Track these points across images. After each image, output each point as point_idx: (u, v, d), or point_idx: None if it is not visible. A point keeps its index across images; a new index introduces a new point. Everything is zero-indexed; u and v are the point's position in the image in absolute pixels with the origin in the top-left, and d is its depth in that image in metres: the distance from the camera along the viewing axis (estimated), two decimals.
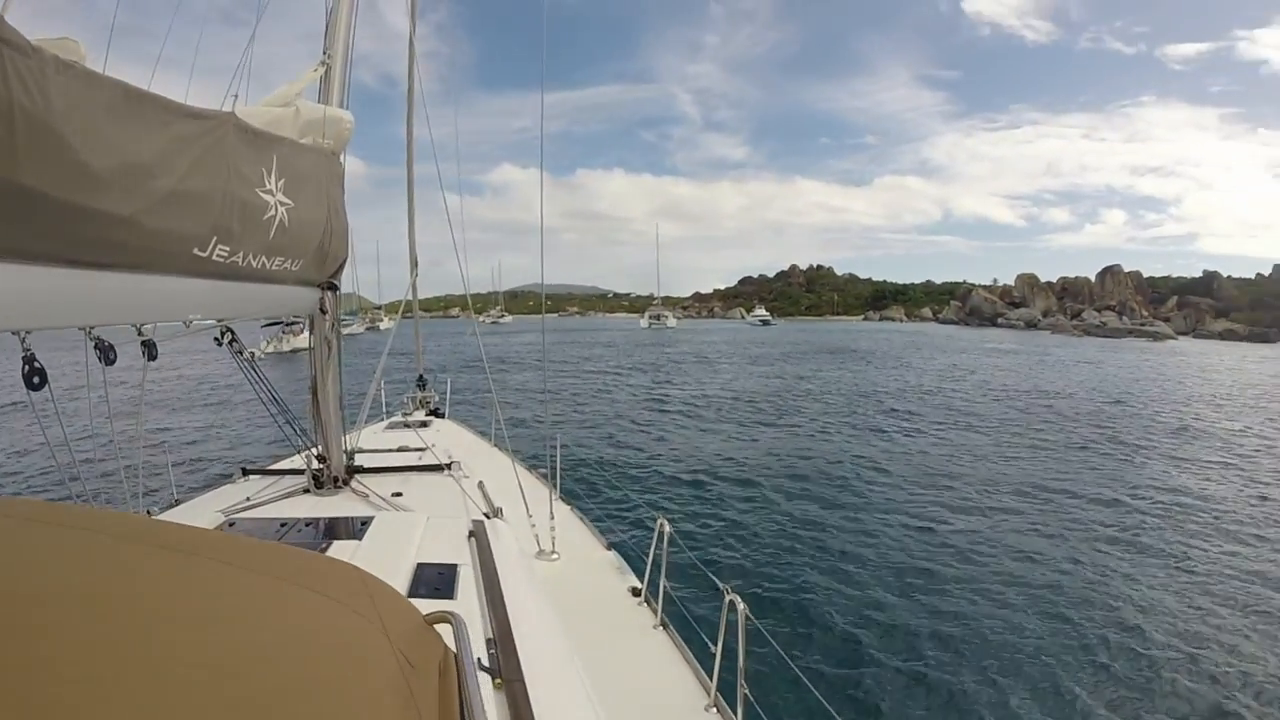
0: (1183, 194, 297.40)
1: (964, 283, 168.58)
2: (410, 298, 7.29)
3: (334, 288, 4.42)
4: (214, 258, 3.05)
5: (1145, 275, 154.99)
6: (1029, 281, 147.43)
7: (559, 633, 3.12)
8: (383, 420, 8.66)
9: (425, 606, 1.71)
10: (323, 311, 4.43)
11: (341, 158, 4.33)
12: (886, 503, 11.97)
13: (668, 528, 4.21)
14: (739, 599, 3.25)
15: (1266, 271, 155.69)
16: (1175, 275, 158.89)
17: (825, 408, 23.10)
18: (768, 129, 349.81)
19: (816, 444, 16.96)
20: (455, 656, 1.55)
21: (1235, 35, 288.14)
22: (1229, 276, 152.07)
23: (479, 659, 2.09)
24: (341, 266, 4.41)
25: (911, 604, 7.78)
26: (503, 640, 2.41)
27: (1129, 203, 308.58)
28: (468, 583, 2.87)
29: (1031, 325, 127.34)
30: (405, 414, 9.20)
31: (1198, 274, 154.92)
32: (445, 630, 1.64)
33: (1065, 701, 6.01)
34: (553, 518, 5.06)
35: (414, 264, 7.14)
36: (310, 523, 3.62)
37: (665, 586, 4.15)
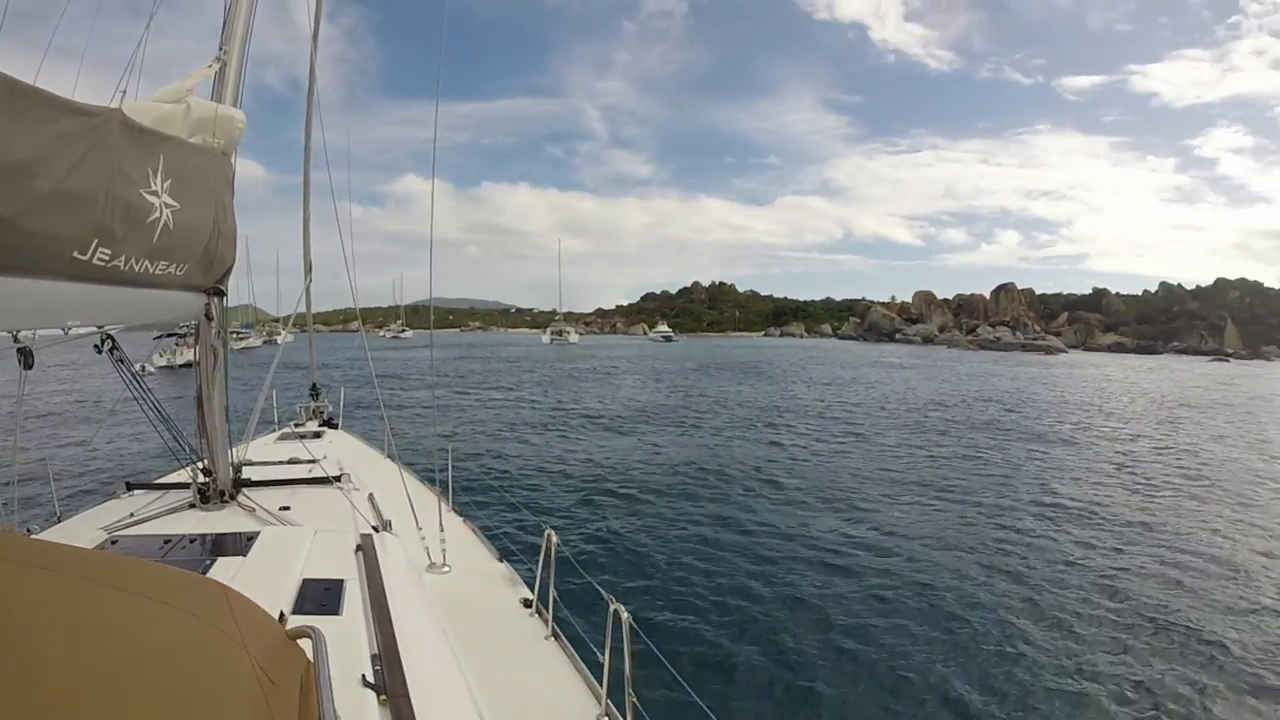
0: (1074, 216, 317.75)
1: (863, 300, 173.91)
2: (305, 303, 7.23)
3: (220, 293, 4.33)
4: (94, 261, 2.96)
5: (1038, 292, 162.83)
6: (926, 299, 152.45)
7: (448, 646, 3.17)
8: (274, 431, 8.53)
9: (309, 623, 1.74)
10: (208, 318, 4.33)
11: (232, 158, 4.23)
12: (777, 512, 12.20)
13: (555, 538, 4.26)
14: (623, 609, 3.33)
15: (1152, 288, 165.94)
16: (1066, 292, 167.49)
17: (724, 421, 23.37)
18: (674, 147, 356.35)
19: (713, 456, 17.20)
20: (314, 670, 1.57)
21: (1128, 69, 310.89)
22: (1117, 293, 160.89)
23: (363, 675, 2.24)
24: (229, 271, 4.31)
25: (798, 610, 7.93)
26: (388, 655, 2.42)
27: (1023, 224, 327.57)
28: (354, 598, 2.86)
29: (928, 340, 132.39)
30: (297, 424, 9.07)
31: (1088, 291, 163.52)
32: (310, 645, 1.67)
33: (945, 698, 6.20)
34: (443, 530, 5.09)
35: (308, 268, 7.09)
36: (195, 539, 3.55)
37: (555, 597, 4.21)
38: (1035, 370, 59.15)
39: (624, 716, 3.23)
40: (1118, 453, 19.70)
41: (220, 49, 4.49)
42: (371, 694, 2.13)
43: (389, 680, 2.26)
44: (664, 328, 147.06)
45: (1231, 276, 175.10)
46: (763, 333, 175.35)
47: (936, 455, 18.11)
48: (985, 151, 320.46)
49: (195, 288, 4.07)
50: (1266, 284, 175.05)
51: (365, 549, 3.45)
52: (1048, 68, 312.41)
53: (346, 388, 11.69)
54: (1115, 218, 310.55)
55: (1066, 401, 34.30)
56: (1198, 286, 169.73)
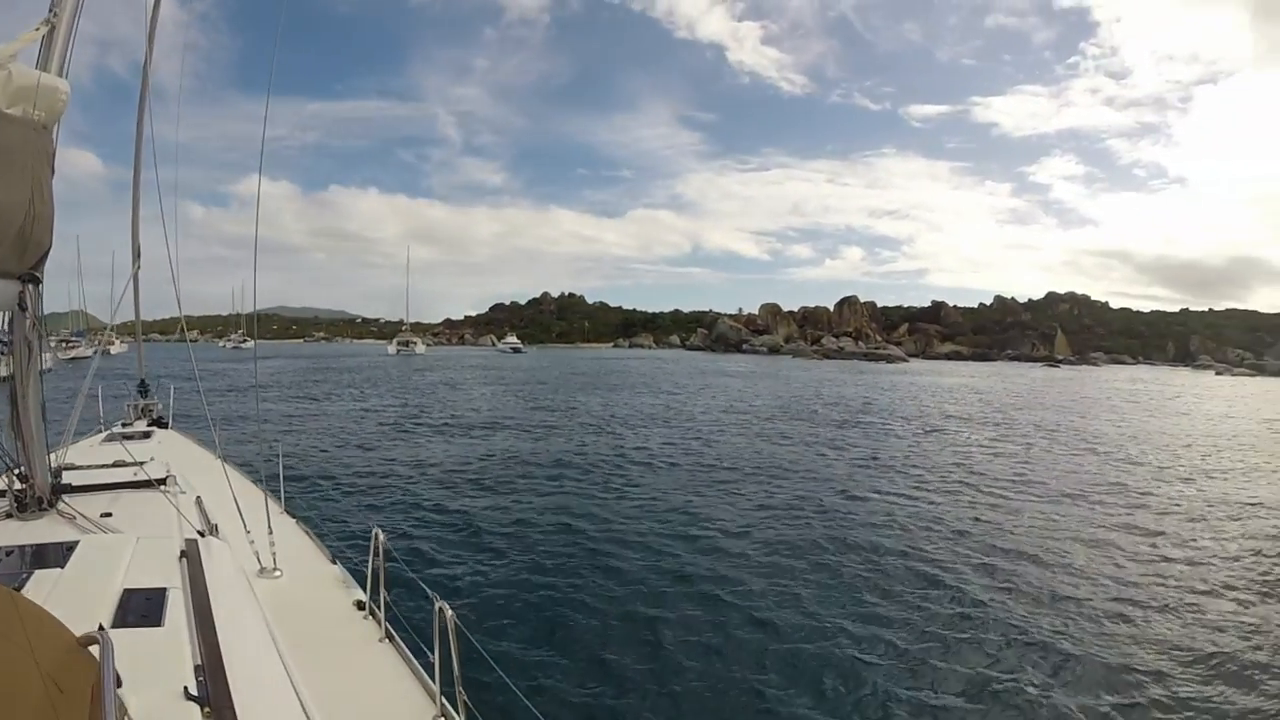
0: (916, 235, 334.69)
1: (710, 311, 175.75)
2: (133, 292, 7.59)
3: (36, 280, 3.96)
4: None
5: (880, 305, 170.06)
6: (772, 310, 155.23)
7: (277, 654, 3.07)
8: (101, 432, 8.19)
9: (131, 634, 1.84)
10: (22, 308, 3.97)
11: (54, 133, 3.93)
12: (610, 511, 12.29)
13: (382, 537, 4.16)
14: (447, 607, 3.26)
15: (988, 301, 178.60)
16: (907, 305, 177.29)
17: (567, 428, 23.21)
18: (527, 157, 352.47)
19: (553, 460, 17.19)
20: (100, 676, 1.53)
21: (972, 100, 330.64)
22: (955, 306, 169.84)
23: (186, 687, 2.14)
24: (45, 256, 3.95)
25: (627, 605, 8.00)
26: (212, 666, 2.34)
27: (867, 241, 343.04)
28: (177, 607, 2.75)
29: (775, 351, 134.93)
30: (125, 424, 8.80)
31: (927, 304, 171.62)
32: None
33: (763, 689, 6.28)
34: (273, 533, 4.94)
35: (136, 254, 7.02)
36: (10, 551, 3.30)
37: (386, 598, 4.07)
38: (879, 378, 62.41)
39: (458, 717, 3.19)
40: (950, 445, 21.89)
41: (50, 10, 4.11)
42: (195, 707, 2.04)
43: (213, 692, 2.17)
44: (513, 339, 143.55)
45: (1061, 291, 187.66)
46: (612, 344, 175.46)
47: (774, 456, 18.67)
48: (833, 172, 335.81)
49: (8, 274, 3.76)
50: (1093, 297, 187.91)
51: (190, 555, 3.34)
52: (896, 95, 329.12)
53: (182, 398, 10.88)
54: (954, 236, 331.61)
55: (905, 403, 36.77)
56: (1030, 299, 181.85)
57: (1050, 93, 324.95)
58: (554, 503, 12.80)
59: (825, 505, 13.06)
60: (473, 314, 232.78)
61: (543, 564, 9.27)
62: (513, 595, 8.13)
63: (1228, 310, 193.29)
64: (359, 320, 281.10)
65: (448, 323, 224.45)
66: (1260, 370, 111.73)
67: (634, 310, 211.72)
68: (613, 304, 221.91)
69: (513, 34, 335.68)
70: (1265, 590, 9.49)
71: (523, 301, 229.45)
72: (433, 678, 3.34)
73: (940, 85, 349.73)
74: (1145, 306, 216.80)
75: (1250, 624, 8.19)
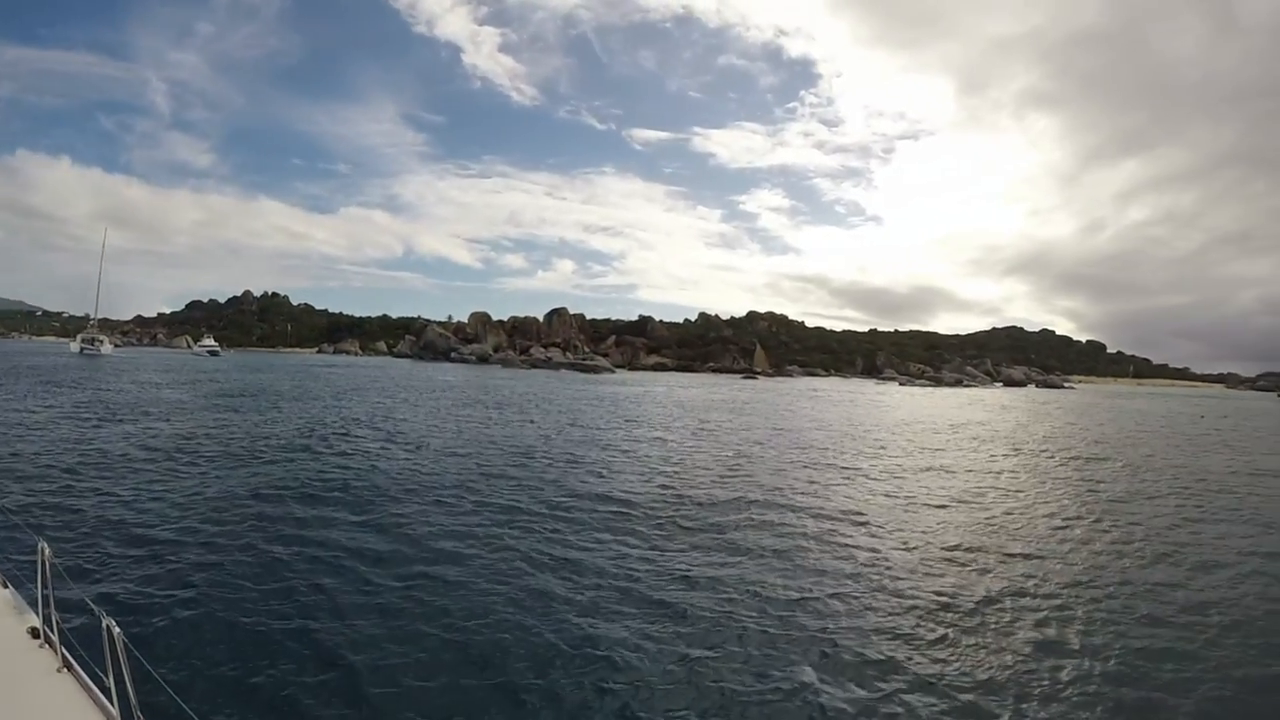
0: (627, 251, 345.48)
1: (420, 318, 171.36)
2: None
3: None
4: None
5: (589, 317, 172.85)
6: (482, 319, 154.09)
7: None
8: None
9: None
10: None
11: None
12: (289, 514, 12.13)
13: (48, 552, 3.74)
14: (114, 625, 3.07)
15: (692, 317, 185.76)
16: (615, 318, 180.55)
17: (260, 437, 21.73)
18: (240, 139, 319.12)
19: (240, 464, 16.76)
20: None
21: (694, 130, 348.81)
22: (661, 321, 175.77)
23: None
24: None
25: (306, 614, 7.83)
26: None
27: (580, 255, 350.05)
28: None
29: (483, 360, 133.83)
30: None
31: (635, 318, 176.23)
32: None
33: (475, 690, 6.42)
34: None
35: None
36: None
37: (59, 623, 3.69)
38: (590, 389, 63.39)
39: None
40: (654, 438, 25.52)
41: None
42: None
43: None
44: (210, 341, 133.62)
45: (762, 310, 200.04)
46: (316, 349, 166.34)
47: (479, 461, 18.87)
48: (552, 185, 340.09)
49: None
50: (791, 316, 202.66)
51: None
52: (622, 117, 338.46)
53: None
54: (665, 255, 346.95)
55: (612, 411, 38.09)
56: (733, 317, 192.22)
57: (767, 131, 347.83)
58: (248, 512, 12.30)
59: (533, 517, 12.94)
60: (167, 311, 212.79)
61: (229, 579, 8.84)
62: (204, 612, 7.73)
63: (911, 331, 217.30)
64: (40, 313, 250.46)
65: (139, 320, 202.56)
66: (938, 383, 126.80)
67: (341, 314, 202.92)
68: (319, 306, 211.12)
69: (246, 1, 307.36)
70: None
71: (222, 300, 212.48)
72: (116, 704, 3.10)
73: (666, 113, 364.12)
74: (838, 326, 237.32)
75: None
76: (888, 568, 10.68)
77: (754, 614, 8.33)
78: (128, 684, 2.95)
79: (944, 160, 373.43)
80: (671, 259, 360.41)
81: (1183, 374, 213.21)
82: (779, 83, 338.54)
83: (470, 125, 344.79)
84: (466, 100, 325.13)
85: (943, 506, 15.61)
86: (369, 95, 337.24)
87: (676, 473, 18.16)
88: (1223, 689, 7.08)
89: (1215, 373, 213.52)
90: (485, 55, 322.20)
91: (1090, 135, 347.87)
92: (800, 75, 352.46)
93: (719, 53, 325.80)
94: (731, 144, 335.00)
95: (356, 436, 22.85)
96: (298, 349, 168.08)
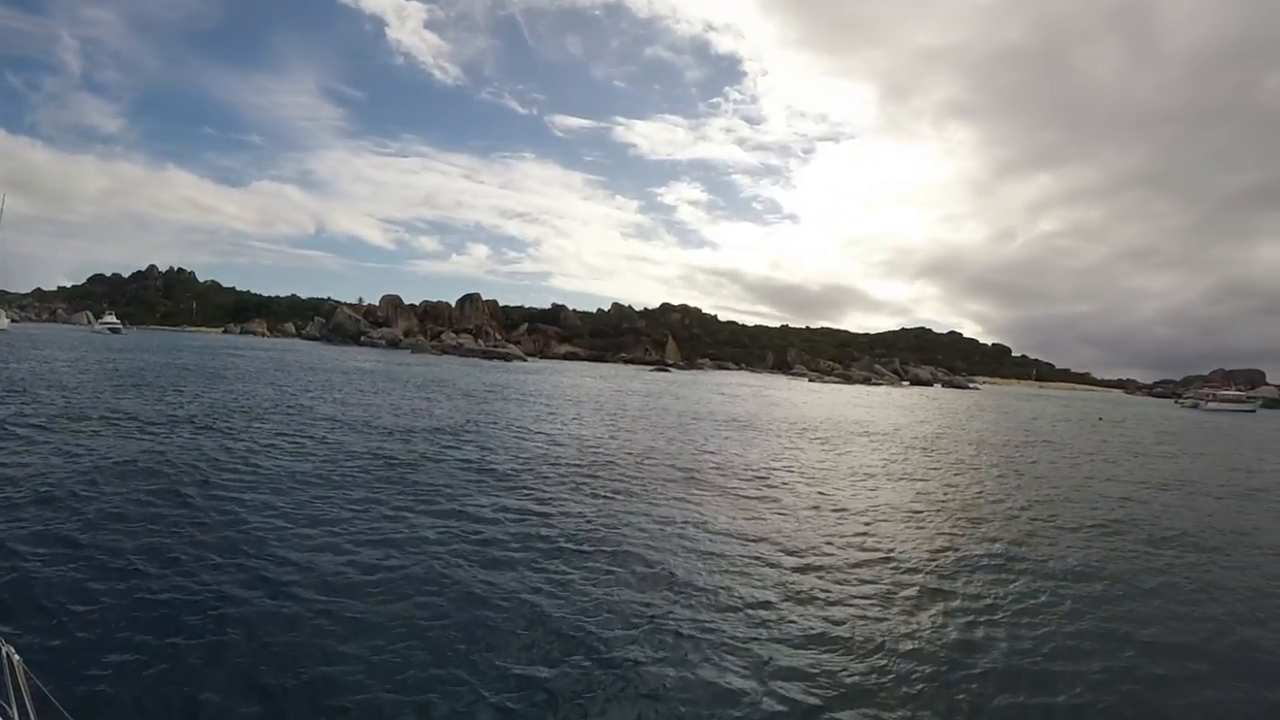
0: (543, 238, 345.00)
1: (330, 299, 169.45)
2: None
3: None
4: None
5: (502, 304, 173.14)
6: (393, 303, 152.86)
7: None
8: None
9: None
10: None
11: None
12: (195, 520, 11.21)
13: None
14: (14, 651, 2.91)
15: (606, 307, 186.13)
16: (529, 305, 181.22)
17: (169, 433, 19.53)
18: (152, 104, 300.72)
19: (142, 461, 15.08)
20: None
21: (615, 120, 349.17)
22: (574, 310, 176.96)
23: None
24: None
25: (210, 626, 7.43)
26: None
27: (495, 240, 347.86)
28: None
29: (394, 344, 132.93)
30: None
31: (548, 306, 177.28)
32: None
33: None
34: None
35: None
36: None
37: None
38: (500, 377, 63.16)
39: None
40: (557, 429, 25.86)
41: None
42: None
43: None
44: (112, 318, 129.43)
45: (675, 302, 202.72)
46: (222, 329, 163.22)
47: (383, 449, 18.47)
48: (471, 168, 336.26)
49: None
50: (704, 310, 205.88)
51: None
52: (545, 103, 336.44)
53: None
54: (580, 244, 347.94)
55: (519, 401, 37.87)
56: (646, 308, 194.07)
57: (689, 125, 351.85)
58: (149, 512, 11.42)
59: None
60: (68, 285, 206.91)
61: (132, 590, 8.21)
62: (105, 630, 7.17)
63: (822, 329, 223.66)
64: None
65: (38, 294, 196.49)
66: (847, 379, 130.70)
67: (249, 293, 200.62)
68: (226, 284, 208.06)
69: None
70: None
71: (126, 275, 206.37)
72: None
73: (589, 101, 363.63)
74: (750, 321, 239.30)
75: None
76: (779, 551, 11.43)
77: (671, 620, 8.32)
78: (29, 711, 2.89)
79: (862, 163, 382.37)
80: (587, 248, 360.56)
81: (1084, 378, 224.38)
82: (704, 77, 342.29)
83: (390, 102, 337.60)
84: (388, 76, 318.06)
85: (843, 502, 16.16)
86: (289, 65, 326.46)
87: (585, 467, 17.93)
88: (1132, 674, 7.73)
89: (1115, 378, 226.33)
90: (410, 31, 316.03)
91: (1006, 148, 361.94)
92: (726, 72, 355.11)
93: (647, 44, 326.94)
94: (653, 135, 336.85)
95: (260, 425, 21.63)
96: (203, 328, 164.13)
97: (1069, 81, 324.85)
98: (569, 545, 10.93)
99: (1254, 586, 11.35)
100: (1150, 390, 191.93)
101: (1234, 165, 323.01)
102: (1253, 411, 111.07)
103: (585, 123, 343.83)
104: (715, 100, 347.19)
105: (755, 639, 7.86)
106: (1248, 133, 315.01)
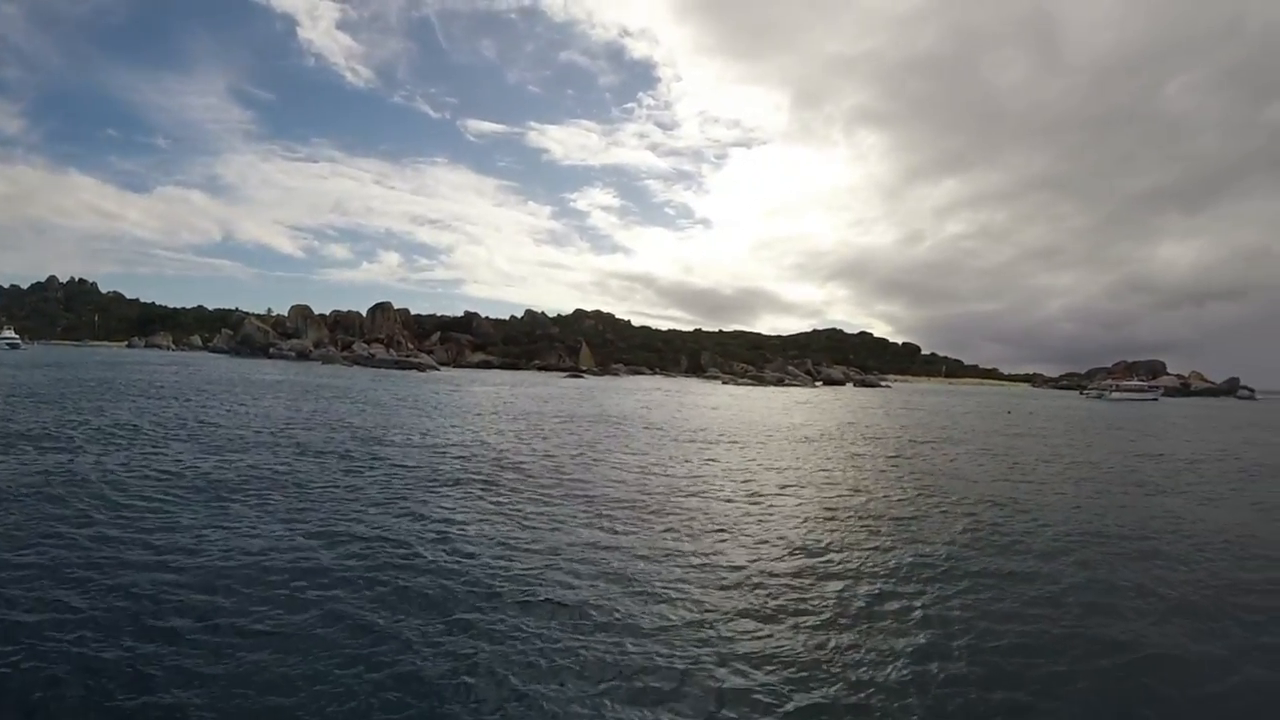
0: (455, 245, 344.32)
1: (237, 310, 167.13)
2: None
3: None
4: None
5: (414, 313, 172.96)
6: (302, 313, 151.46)
7: None
8: None
9: None
10: None
11: None
12: (105, 543, 10.73)
13: None
14: None
15: (519, 314, 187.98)
16: (441, 314, 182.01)
17: (70, 450, 19.08)
18: (55, 104, 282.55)
19: (33, 491, 13.97)
20: None
21: (528, 125, 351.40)
22: (487, 317, 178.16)
23: None
24: None
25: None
26: None
27: (406, 247, 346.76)
28: None
29: (304, 356, 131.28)
30: None
31: (461, 314, 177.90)
32: None
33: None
34: None
35: None
36: None
37: None
38: (412, 388, 61.47)
39: None
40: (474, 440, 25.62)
41: None
42: None
43: None
44: (9, 333, 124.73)
45: (589, 308, 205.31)
46: (126, 343, 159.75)
47: (286, 465, 18.06)
48: (381, 173, 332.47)
49: None
50: (618, 315, 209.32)
51: None
52: (458, 107, 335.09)
53: None
54: (493, 251, 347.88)
55: (431, 413, 37.17)
56: (560, 314, 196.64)
57: (603, 130, 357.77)
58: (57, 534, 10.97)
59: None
60: None
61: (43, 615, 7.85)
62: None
63: (736, 331, 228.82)
64: None
65: None
66: (761, 381, 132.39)
67: (154, 304, 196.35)
68: (130, 295, 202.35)
69: None
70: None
71: (25, 286, 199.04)
72: None
73: (503, 105, 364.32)
74: (664, 325, 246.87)
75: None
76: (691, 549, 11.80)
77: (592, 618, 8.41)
78: None
79: (774, 168, 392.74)
80: (500, 255, 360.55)
81: (992, 374, 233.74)
82: (618, 83, 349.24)
83: (300, 105, 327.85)
84: (298, 78, 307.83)
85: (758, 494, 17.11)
86: (196, 65, 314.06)
87: (495, 484, 16.96)
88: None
89: (1022, 373, 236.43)
90: (322, 31, 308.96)
91: (915, 154, 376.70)
92: (640, 77, 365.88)
93: (562, 48, 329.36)
94: (566, 141, 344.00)
95: (161, 443, 20.66)
96: (106, 342, 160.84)
97: (977, 89, 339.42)
98: (475, 574, 9.87)
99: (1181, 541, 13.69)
100: (1057, 383, 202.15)
101: (1135, 169, 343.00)
102: (1155, 400, 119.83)
103: (498, 127, 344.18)
104: (629, 106, 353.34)
105: (695, 661, 7.44)
106: (1148, 137, 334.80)
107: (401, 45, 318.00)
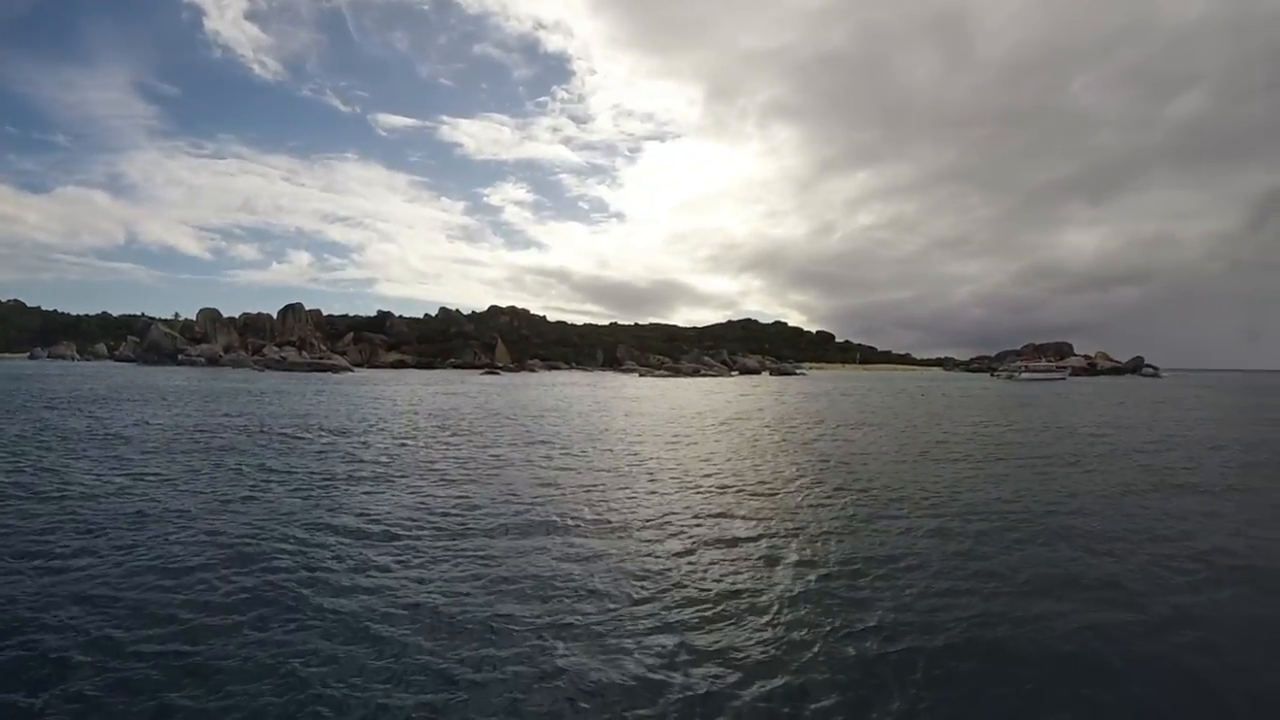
0: (366, 243, 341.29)
1: (143, 316, 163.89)
2: None
3: None
4: None
5: (326, 313, 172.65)
6: (211, 317, 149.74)
7: None
8: None
9: None
10: None
11: None
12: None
13: None
14: None
15: (433, 313, 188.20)
16: (354, 314, 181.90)
17: None
18: None
19: None
20: None
21: (440, 119, 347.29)
22: (401, 316, 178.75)
23: None
24: None
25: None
26: None
27: (316, 246, 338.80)
28: None
29: (214, 361, 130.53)
30: None
31: (374, 313, 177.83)
32: None
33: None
34: None
35: None
36: None
37: None
38: (324, 391, 60.60)
39: None
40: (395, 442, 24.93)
41: None
42: None
43: None
44: None
45: (503, 305, 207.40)
46: (28, 354, 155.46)
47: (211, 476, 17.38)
48: (291, 170, 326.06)
49: None
50: (533, 311, 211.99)
51: None
52: (369, 101, 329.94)
53: None
54: (405, 248, 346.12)
55: (350, 414, 36.81)
56: (474, 311, 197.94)
57: (516, 124, 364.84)
58: None
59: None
60: None
61: None
62: None
63: (651, 324, 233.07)
64: None
65: None
66: (677, 372, 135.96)
67: (55, 312, 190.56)
68: (30, 303, 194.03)
69: None
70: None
71: None
72: None
73: (415, 99, 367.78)
74: (580, 320, 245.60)
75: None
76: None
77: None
78: None
79: (688, 162, 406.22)
80: (412, 252, 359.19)
81: (905, 359, 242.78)
82: (532, 76, 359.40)
83: (207, 99, 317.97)
84: (204, 71, 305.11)
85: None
86: (99, 57, 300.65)
87: (412, 487, 16.22)
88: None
89: (934, 357, 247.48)
90: (229, 21, 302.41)
91: (827, 147, 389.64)
92: (554, 70, 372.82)
93: (475, 41, 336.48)
94: (479, 135, 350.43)
95: (67, 458, 19.45)
96: (6, 354, 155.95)
97: (888, 85, 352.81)
98: (387, 584, 9.20)
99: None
100: (968, 366, 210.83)
101: (1041, 161, 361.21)
102: (1063, 379, 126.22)
103: (410, 122, 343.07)
104: (543, 99, 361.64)
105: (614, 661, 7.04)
106: (1054, 131, 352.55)
107: (311, 37, 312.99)
